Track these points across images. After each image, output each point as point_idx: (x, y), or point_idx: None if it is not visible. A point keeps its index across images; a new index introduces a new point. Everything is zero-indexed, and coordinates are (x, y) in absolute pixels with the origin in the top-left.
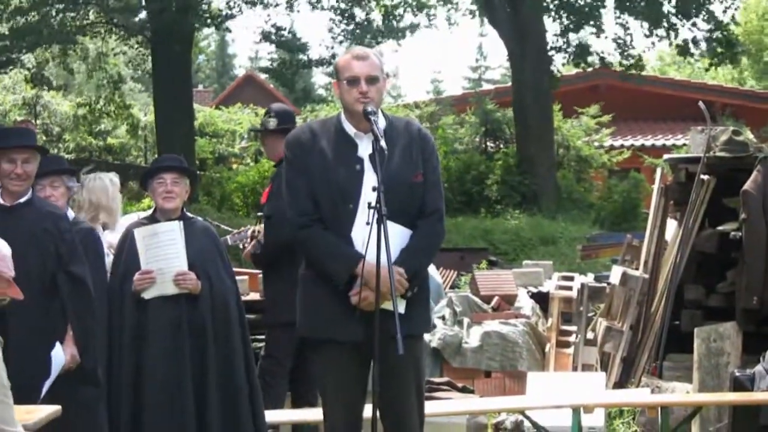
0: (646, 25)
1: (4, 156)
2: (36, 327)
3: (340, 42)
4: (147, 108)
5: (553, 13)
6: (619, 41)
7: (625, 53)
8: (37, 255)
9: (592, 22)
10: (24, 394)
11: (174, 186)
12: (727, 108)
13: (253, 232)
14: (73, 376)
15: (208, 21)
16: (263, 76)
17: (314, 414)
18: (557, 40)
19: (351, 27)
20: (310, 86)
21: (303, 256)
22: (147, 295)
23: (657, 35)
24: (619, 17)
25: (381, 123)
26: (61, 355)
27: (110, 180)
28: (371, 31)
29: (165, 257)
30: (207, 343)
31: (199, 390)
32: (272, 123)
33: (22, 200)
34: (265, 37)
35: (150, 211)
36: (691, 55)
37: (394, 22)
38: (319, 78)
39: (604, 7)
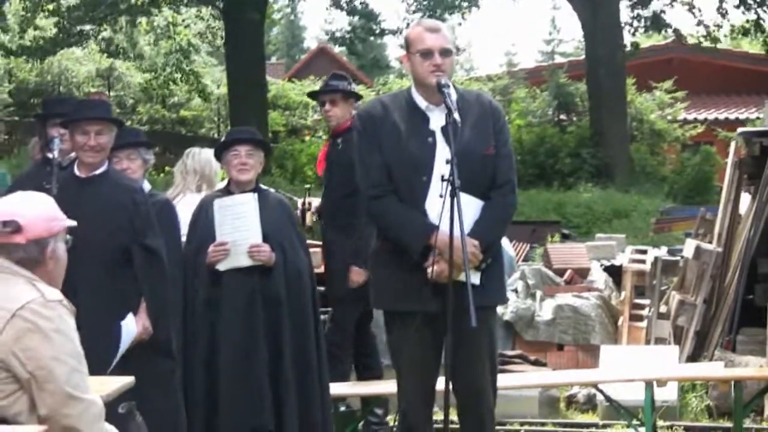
0: None
1: (78, 128)
2: (107, 298)
3: (414, 12)
4: (220, 81)
5: None
6: (694, 11)
7: (701, 25)
8: (111, 227)
9: None
10: (94, 365)
11: (248, 158)
12: None
13: (303, 204)
14: (147, 348)
15: None
16: (337, 49)
17: (383, 386)
18: (631, 11)
19: None
20: (383, 58)
21: (377, 228)
22: (222, 266)
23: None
24: None
25: (452, 96)
26: (132, 327)
27: (210, 153)
28: (444, 2)
29: (240, 229)
30: (282, 315)
31: (273, 361)
32: (345, 84)
33: (97, 172)
34: (336, 4)
35: (224, 183)
36: (763, 31)
37: None
38: (392, 50)
39: None
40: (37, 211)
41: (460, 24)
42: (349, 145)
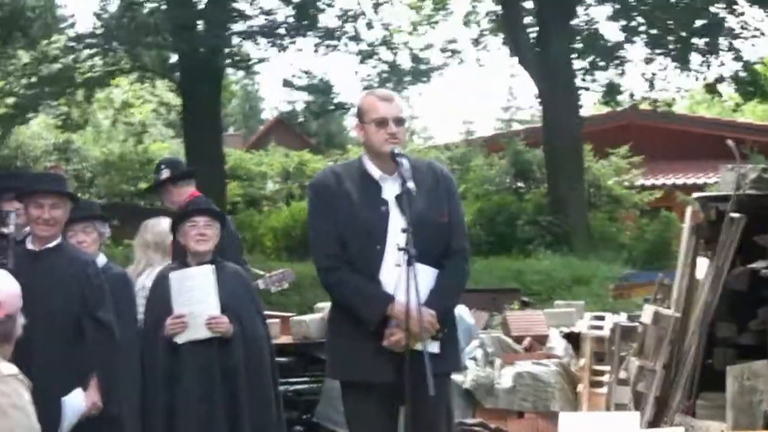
0: (674, 64)
1: (33, 201)
2: (59, 372)
3: (369, 86)
4: (178, 153)
5: (580, 52)
6: (648, 79)
7: (653, 91)
8: (63, 299)
9: (618, 61)
10: None
11: (206, 229)
12: (757, 145)
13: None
14: (97, 421)
15: (239, 64)
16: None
17: None
18: (585, 79)
19: (378, 70)
20: (340, 131)
21: (331, 299)
22: (179, 339)
23: (687, 70)
24: (649, 54)
25: (406, 165)
26: (78, 402)
27: (168, 224)
28: (399, 74)
29: (197, 301)
30: (239, 387)
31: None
32: (165, 173)
33: (50, 245)
34: (287, 83)
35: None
36: (719, 95)
37: (422, 66)
38: (348, 121)
39: (632, 43)
40: (11, 287)
41: (420, 94)
42: None
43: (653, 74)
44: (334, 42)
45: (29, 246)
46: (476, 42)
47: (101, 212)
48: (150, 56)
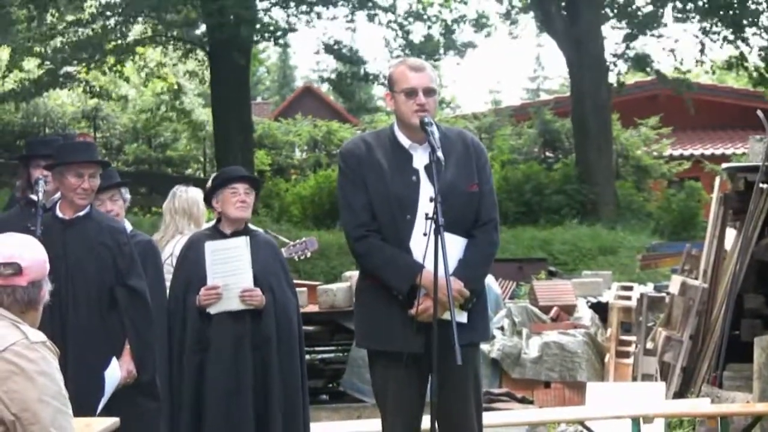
0: (701, 34)
1: (71, 170)
2: (94, 341)
3: (397, 57)
4: (207, 122)
5: (612, 22)
6: (676, 52)
7: (680, 64)
8: (96, 268)
9: (651, 31)
10: (81, 408)
11: (246, 196)
12: None
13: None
14: (131, 389)
15: (267, 35)
16: (324, 88)
17: (368, 426)
18: (616, 49)
19: (407, 42)
20: (370, 98)
21: (360, 268)
22: (213, 310)
23: (713, 41)
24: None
25: (436, 134)
26: (116, 373)
27: (198, 192)
28: (430, 47)
29: (231, 273)
30: (271, 357)
31: (261, 403)
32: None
33: (81, 213)
34: (326, 49)
35: (212, 223)
36: (745, 68)
37: (453, 38)
38: (379, 89)
39: (662, 13)
40: (35, 253)
41: (458, 64)
42: None
43: (676, 42)
44: (366, 11)
45: (59, 214)
46: (506, 15)
47: (121, 179)
48: (178, 25)
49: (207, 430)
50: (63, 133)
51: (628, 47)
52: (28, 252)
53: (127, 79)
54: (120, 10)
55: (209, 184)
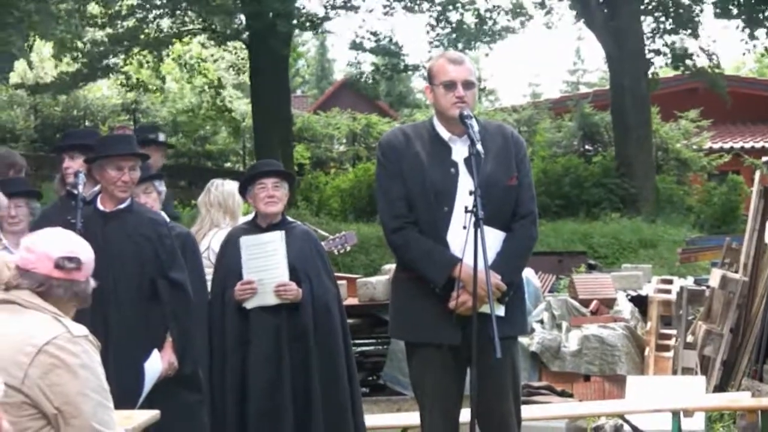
0: (741, 26)
1: (112, 163)
2: (135, 334)
3: (436, 46)
4: (245, 115)
5: (650, 15)
6: (712, 45)
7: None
8: (137, 261)
9: (689, 25)
10: (122, 400)
11: (275, 190)
12: None
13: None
14: (173, 382)
15: (306, 24)
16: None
17: (412, 418)
18: (654, 42)
19: (447, 31)
20: (409, 91)
21: (397, 260)
22: (248, 305)
23: (755, 37)
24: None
25: (475, 127)
26: (156, 365)
27: (233, 185)
28: (466, 34)
29: (266, 268)
30: (309, 349)
31: (302, 395)
32: (162, 136)
33: (121, 206)
34: (356, 46)
35: (250, 217)
36: None
37: (488, 25)
38: (417, 82)
39: (701, 7)
40: (89, 249)
41: (487, 55)
42: None
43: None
44: (403, 2)
45: (100, 207)
46: (542, 5)
47: (155, 171)
48: (218, 17)
49: (250, 423)
50: (89, 128)
51: (665, 42)
52: (83, 247)
53: (163, 78)
54: (159, 2)
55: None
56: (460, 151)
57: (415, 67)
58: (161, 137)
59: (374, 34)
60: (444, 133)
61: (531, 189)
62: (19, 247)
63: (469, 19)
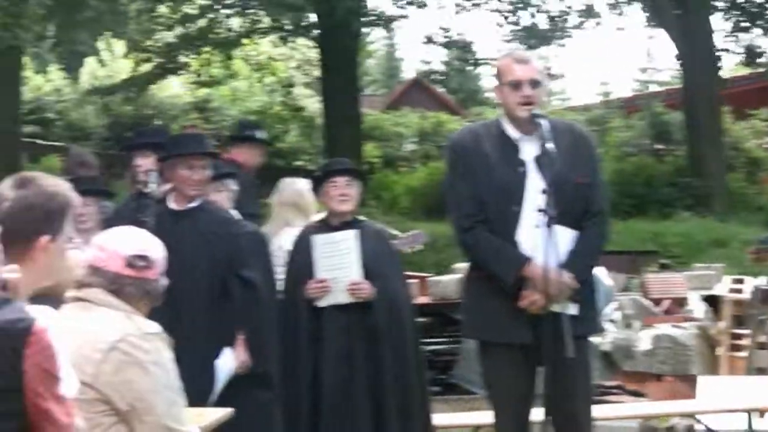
0: None
1: (184, 162)
2: (207, 332)
3: (509, 41)
4: (316, 113)
5: (722, 13)
6: None
7: None
8: (208, 259)
9: (761, 22)
10: (193, 400)
11: (347, 188)
12: None
13: None
14: (246, 380)
15: (376, 21)
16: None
17: (484, 417)
18: (725, 41)
19: (518, 27)
20: (478, 89)
21: (469, 259)
22: (321, 303)
23: None
24: None
25: (545, 126)
26: (229, 363)
27: (304, 183)
28: (536, 35)
29: (339, 266)
30: (381, 347)
31: (374, 393)
32: (260, 133)
33: (193, 204)
34: (430, 39)
35: (322, 215)
36: None
37: (559, 24)
38: (486, 81)
39: None
40: (160, 248)
41: (557, 55)
42: None
43: None
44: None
45: (171, 205)
46: (613, 6)
47: (227, 169)
48: (288, 16)
49: (323, 420)
50: (159, 127)
51: (737, 40)
52: (154, 246)
53: (233, 75)
54: (230, 1)
55: None
56: (528, 150)
57: (486, 61)
58: (258, 134)
59: (445, 30)
60: (512, 133)
61: (602, 187)
62: (90, 246)
63: (542, 21)
